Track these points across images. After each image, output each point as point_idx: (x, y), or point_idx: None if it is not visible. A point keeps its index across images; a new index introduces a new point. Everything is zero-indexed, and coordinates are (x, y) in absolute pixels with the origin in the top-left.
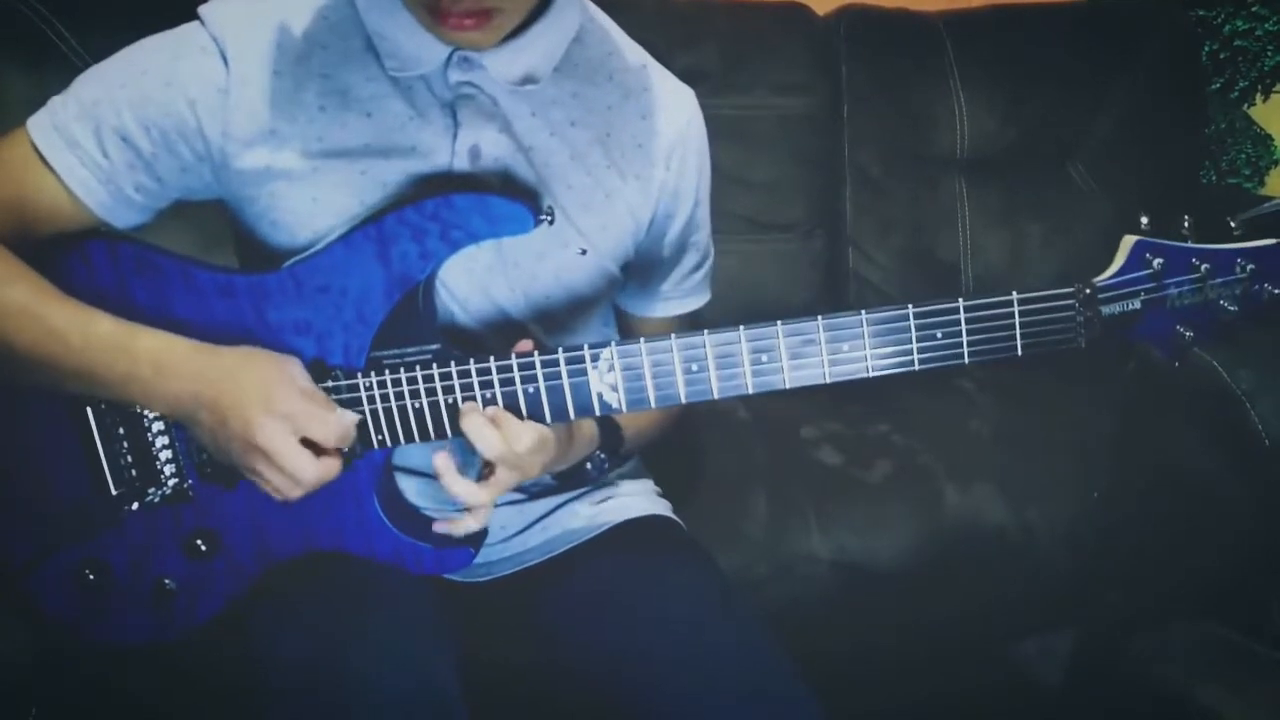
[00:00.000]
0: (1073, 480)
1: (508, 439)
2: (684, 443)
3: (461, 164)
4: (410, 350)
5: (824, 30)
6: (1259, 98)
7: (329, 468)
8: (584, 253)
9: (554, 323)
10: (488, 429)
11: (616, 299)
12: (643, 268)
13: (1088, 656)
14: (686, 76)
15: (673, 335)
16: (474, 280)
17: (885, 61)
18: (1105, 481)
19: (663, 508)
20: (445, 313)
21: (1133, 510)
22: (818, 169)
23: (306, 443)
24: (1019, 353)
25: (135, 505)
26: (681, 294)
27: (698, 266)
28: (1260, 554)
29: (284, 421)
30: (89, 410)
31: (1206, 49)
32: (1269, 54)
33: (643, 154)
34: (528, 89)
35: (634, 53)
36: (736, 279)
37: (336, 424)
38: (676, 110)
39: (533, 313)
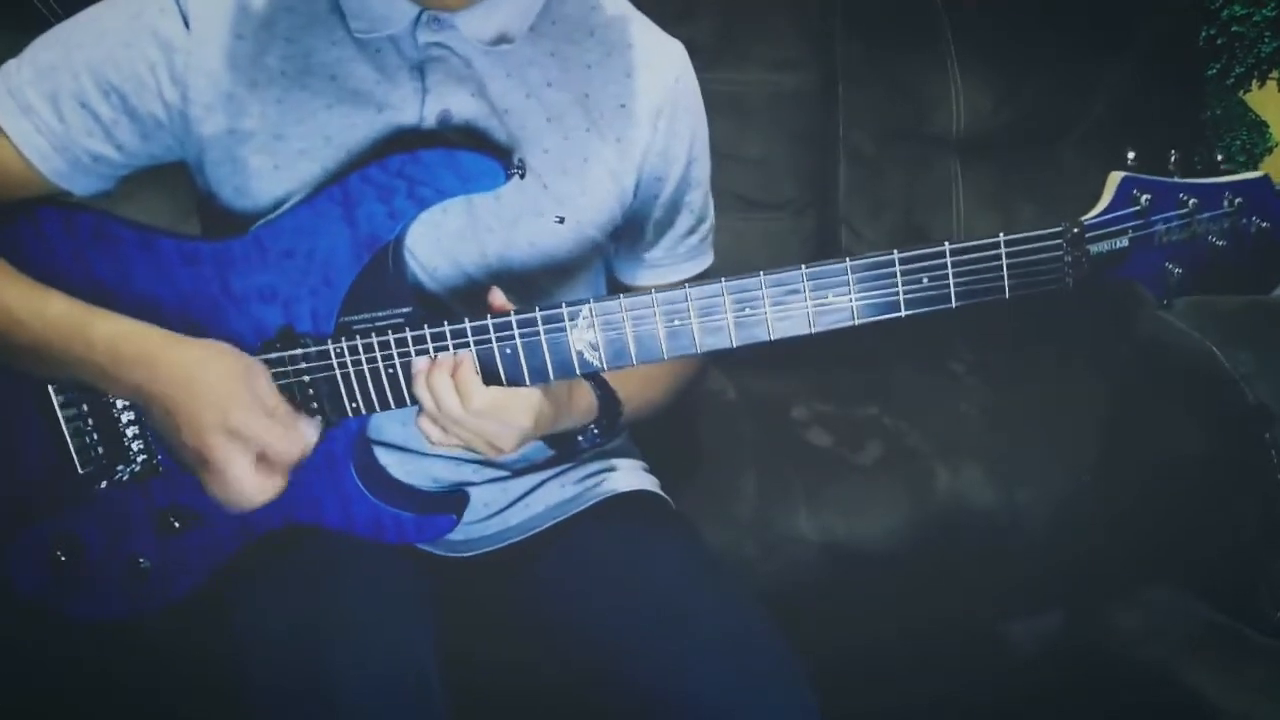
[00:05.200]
0: (1062, 463)
1: (461, 393)
2: (673, 422)
3: (430, 129)
4: (381, 314)
5: (820, 6)
6: (1255, 84)
7: (275, 488)
8: (561, 221)
9: (533, 291)
10: (435, 387)
11: (611, 268)
12: (632, 233)
13: (1075, 638)
14: None
15: (653, 289)
16: (441, 247)
17: (881, 39)
18: (1095, 464)
19: (650, 484)
20: (413, 280)
21: (1122, 493)
22: (811, 146)
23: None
24: (1006, 295)
25: (104, 484)
26: (676, 259)
27: (692, 230)
28: (1247, 537)
29: (240, 442)
30: (51, 389)
31: (1203, 33)
32: (1266, 40)
33: (625, 114)
34: (502, 49)
35: (617, 6)
36: (726, 256)
37: (296, 443)
38: (663, 67)
39: (509, 280)
